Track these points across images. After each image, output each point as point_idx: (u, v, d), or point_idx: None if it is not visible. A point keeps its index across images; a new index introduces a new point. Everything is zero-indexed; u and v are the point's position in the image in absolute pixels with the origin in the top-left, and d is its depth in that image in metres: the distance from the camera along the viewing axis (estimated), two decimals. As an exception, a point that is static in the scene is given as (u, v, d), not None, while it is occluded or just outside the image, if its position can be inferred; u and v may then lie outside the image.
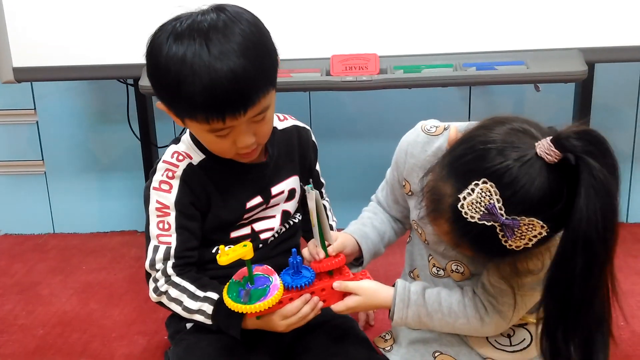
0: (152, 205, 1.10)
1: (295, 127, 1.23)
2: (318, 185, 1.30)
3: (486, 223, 0.82)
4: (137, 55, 1.64)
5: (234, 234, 1.15)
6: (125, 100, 1.96)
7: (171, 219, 1.10)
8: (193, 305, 1.08)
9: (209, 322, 1.08)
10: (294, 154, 1.20)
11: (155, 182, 1.11)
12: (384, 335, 1.18)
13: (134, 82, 1.86)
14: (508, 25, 1.58)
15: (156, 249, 1.10)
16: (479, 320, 1.02)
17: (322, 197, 1.31)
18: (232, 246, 0.98)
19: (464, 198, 0.83)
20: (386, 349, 1.14)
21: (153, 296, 1.12)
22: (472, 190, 0.82)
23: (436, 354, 1.06)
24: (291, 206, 1.20)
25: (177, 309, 1.10)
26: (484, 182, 0.81)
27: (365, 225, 1.17)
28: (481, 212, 0.82)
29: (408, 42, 1.62)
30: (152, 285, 1.12)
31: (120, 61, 1.66)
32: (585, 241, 0.78)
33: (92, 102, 2.07)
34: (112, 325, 1.47)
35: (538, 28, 1.58)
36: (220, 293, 1.06)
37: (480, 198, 0.81)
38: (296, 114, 1.29)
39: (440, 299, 1.04)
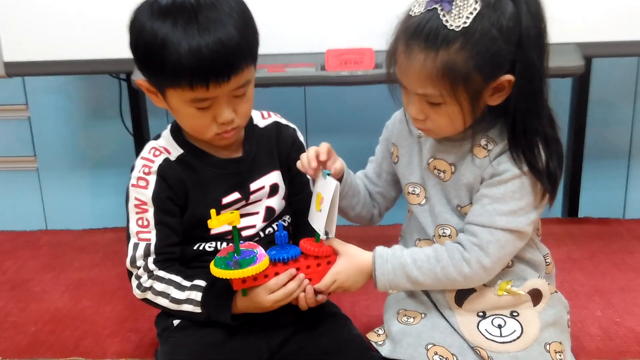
0: (131, 202, 1.11)
1: (275, 123, 1.22)
2: (310, 196, 1.25)
3: (429, 8, 0.94)
4: (129, 49, 1.64)
5: (214, 230, 1.14)
6: (117, 96, 1.95)
7: (149, 215, 1.10)
8: (180, 295, 1.08)
9: (198, 310, 1.08)
10: (273, 150, 1.19)
11: (133, 179, 1.11)
12: (377, 330, 1.18)
13: (126, 77, 1.85)
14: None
15: (136, 246, 1.10)
16: (459, 259, 1.03)
17: None
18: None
19: (414, 5, 0.97)
20: (378, 343, 1.14)
21: (137, 293, 1.12)
22: None
23: (428, 346, 1.06)
24: (275, 202, 1.19)
25: (164, 302, 1.09)
26: None
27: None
28: (425, 3, 0.95)
29: (403, 37, 1.61)
30: (134, 282, 1.12)
31: (113, 56, 1.65)
32: (536, 36, 0.95)
33: (85, 97, 2.06)
34: (105, 322, 1.46)
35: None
36: (207, 281, 1.08)
37: None
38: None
39: (419, 250, 1.08)
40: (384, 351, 1.11)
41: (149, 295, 1.11)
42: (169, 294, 1.09)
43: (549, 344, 1.06)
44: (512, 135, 1.00)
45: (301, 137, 1.24)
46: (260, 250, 1.04)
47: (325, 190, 1.03)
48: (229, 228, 1.13)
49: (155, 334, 1.26)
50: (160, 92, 1.05)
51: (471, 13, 0.92)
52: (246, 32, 1.01)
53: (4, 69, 1.67)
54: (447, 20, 0.93)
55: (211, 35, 0.97)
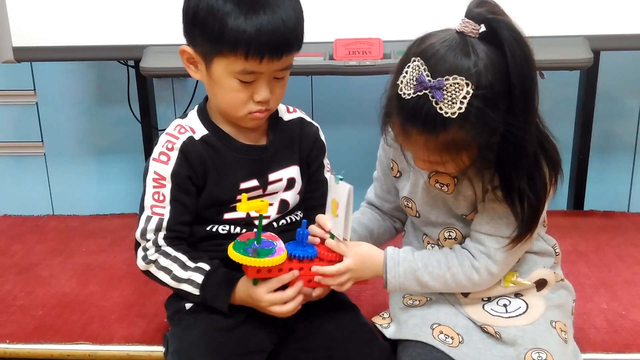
0: (150, 176, 1.12)
1: (300, 119, 1.22)
2: (324, 197, 1.25)
3: (419, 94, 0.91)
4: (138, 36, 1.64)
5: (227, 216, 1.15)
6: (125, 82, 1.94)
7: (166, 190, 1.11)
8: (183, 274, 1.10)
9: (196, 292, 1.09)
10: (295, 144, 1.20)
11: (155, 153, 1.12)
12: (382, 314, 1.20)
13: (134, 64, 1.85)
14: (513, 11, 1.54)
15: (149, 219, 1.12)
16: (469, 267, 1.06)
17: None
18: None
19: (401, 82, 0.94)
20: (384, 325, 1.16)
21: (141, 264, 1.14)
22: (406, 72, 0.93)
23: (434, 326, 1.08)
24: (290, 196, 1.19)
25: (165, 277, 1.11)
26: (413, 61, 0.93)
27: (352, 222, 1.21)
28: (413, 85, 0.92)
29: (412, 27, 1.58)
30: (140, 253, 1.13)
31: (121, 42, 1.65)
32: (521, 87, 0.90)
33: (93, 83, 2.06)
34: (112, 307, 1.47)
35: (544, 15, 1.57)
36: (212, 266, 1.10)
37: (412, 75, 0.92)
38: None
39: (429, 255, 1.09)
40: (388, 333, 1.13)
41: (152, 269, 1.12)
42: (171, 271, 1.10)
43: (555, 322, 1.08)
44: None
45: (323, 137, 1.25)
46: (280, 243, 1.05)
47: (339, 195, 1.03)
48: (243, 215, 1.14)
49: (162, 320, 1.27)
50: (205, 61, 1.07)
51: (465, 97, 0.89)
52: (300, 19, 1.06)
53: (13, 54, 1.67)
54: (440, 108, 0.90)
55: (274, 13, 1.01)
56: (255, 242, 1.03)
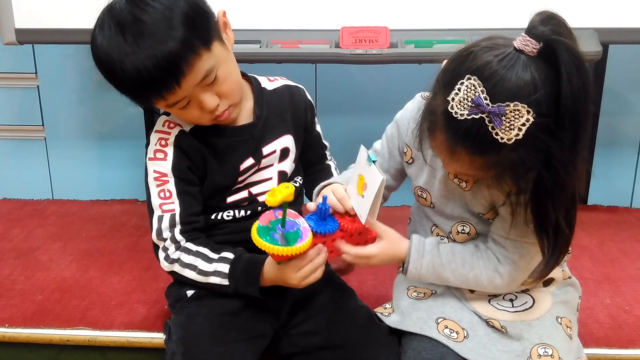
0: (150, 176, 1.10)
1: (286, 86, 1.21)
2: (321, 148, 1.30)
3: (475, 117, 0.85)
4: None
5: (230, 199, 1.15)
6: (128, 67, 1.92)
7: (171, 185, 1.09)
8: (208, 267, 1.08)
9: (225, 282, 1.07)
10: (286, 113, 1.19)
11: (150, 153, 1.10)
12: (385, 305, 1.19)
13: (138, 48, 1.83)
14: (522, 2, 1.55)
15: (160, 218, 1.10)
16: (493, 270, 1.04)
17: (326, 158, 1.31)
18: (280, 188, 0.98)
19: (453, 99, 0.87)
20: (384, 314, 1.15)
21: (165, 265, 1.11)
22: (459, 89, 0.87)
23: (439, 320, 1.07)
24: (287, 166, 1.19)
25: (192, 274, 1.09)
26: (468, 79, 0.86)
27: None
28: (469, 107, 0.85)
29: (420, 16, 1.58)
30: (162, 255, 1.11)
31: (125, 26, 1.63)
32: (573, 114, 0.84)
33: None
34: (112, 293, 1.46)
35: (552, 6, 1.54)
36: (236, 254, 1.08)
37: (466, 94, 0.86)
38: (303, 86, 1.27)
39: (454, 251, 1.07)
40: (389, 321, 1.12)
41: (177, 268, 1.10)
42: (196, 266, 1.08)
43: (561, 318, 1.07)
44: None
45: (309, 96, 1.24)
46: (302, 222, 1.02)
47: (369, 177, 1.00)
48: (246, 194, 1.14)
49: (163, 306, 1.27)
50: None
51: (523, 124, 0.84)
52: (180, 31, 0.97)
53: (15, 35, 1.65)
54: (497, 133, 0.85)
55: (141, 54, 0.95)
56: (279, 226, 1.00)
